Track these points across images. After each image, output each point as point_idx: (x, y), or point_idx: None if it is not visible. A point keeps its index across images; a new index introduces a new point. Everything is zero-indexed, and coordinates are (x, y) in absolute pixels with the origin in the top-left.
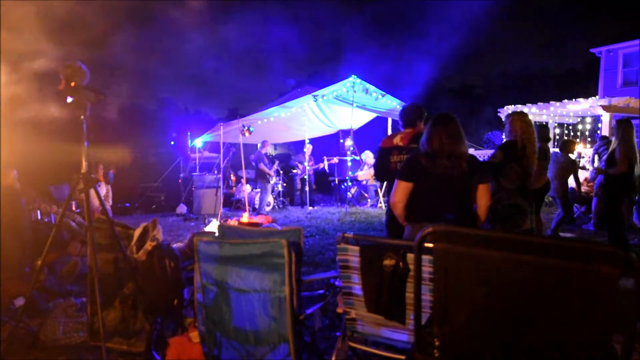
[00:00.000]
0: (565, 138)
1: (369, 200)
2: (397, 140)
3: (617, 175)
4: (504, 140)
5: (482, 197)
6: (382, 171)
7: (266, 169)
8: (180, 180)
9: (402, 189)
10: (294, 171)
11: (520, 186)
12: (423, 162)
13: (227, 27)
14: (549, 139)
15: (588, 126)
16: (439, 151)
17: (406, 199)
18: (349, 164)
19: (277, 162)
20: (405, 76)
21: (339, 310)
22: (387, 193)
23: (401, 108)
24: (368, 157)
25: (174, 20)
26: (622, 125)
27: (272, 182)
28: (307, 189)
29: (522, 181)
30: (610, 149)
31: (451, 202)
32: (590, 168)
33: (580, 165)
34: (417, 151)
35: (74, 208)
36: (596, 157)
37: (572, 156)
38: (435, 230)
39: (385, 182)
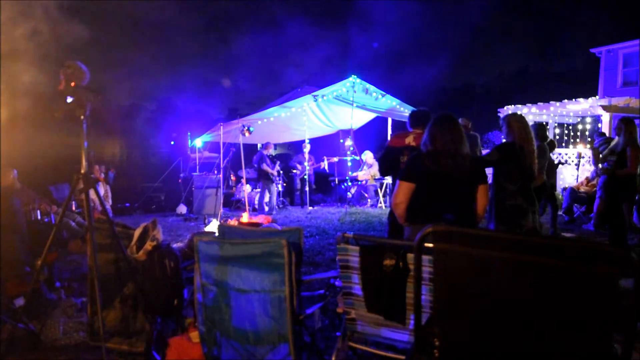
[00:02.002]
0: (550, 138)
1: (369, 200)
2: (409, 140)
3: (621, 175)
4: (502, 142)
5: (482, 197)
6: (392, 171)
7: (269, 169)
8: (180, 180)
9: (404, 189)
10: (294, 171)
11: (521, 187)
12: (426, 163)
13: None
14: (546, 138)
15: (588, 126)
16: (442, 151)
17: (408, 200)
18: (349, 164)
19: (278, 163)
20: (405, 76)
21: (339, 310)
22: (388, 193)
23: (411, 111)
24: (368, 157)
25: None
26: (629, 125)
27: (275, 182)
28: (307, 189)
29: (523, 182)
30: (618, 149)
31: (453, 202)
32: (591, 167)
33: (581, 165)
34: (419, 152)
35: (74, 208)
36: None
37: (554, 156)
38: (435, 230)
39: (385, 183)
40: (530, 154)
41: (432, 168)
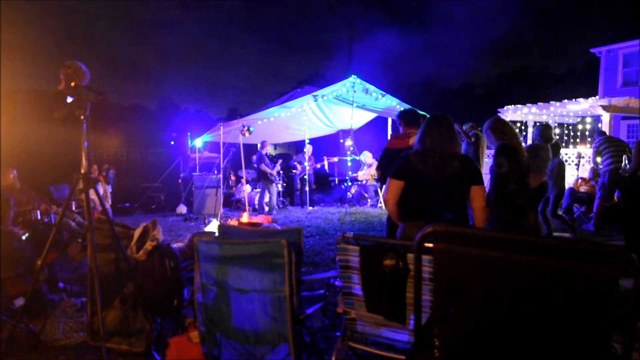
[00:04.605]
0: (555, 140)
1: (369, 200)
2: (413, 141)
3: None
4: (499, 145)
5: (476, 199)
6: None
7: (268, 169)
8: (180, 180)
9: (392, 187)
10: (294, 171)
11: (521, 186)
12: (414, 162)
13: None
14: (551, 139)
15: (588, 126)
16: (430, 150)
17: (397, 197)
18: (349, 164)
19: (279, 162)
20: (405, 76)
21: (339, 310)
22: None
23: (402, 110)
24: (367, 157)
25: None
26: None
27: (275, 182)
28: (307, 189)
29: (522, 181)
30: None
31: (443, 201)
32: (590, 166)
33: (581, 165)
34: (410, 150)
35: (74, 208)
36: (598, 157)
37: None
38: (435, 230)
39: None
40: (523, 154)
41: (420, 167)
